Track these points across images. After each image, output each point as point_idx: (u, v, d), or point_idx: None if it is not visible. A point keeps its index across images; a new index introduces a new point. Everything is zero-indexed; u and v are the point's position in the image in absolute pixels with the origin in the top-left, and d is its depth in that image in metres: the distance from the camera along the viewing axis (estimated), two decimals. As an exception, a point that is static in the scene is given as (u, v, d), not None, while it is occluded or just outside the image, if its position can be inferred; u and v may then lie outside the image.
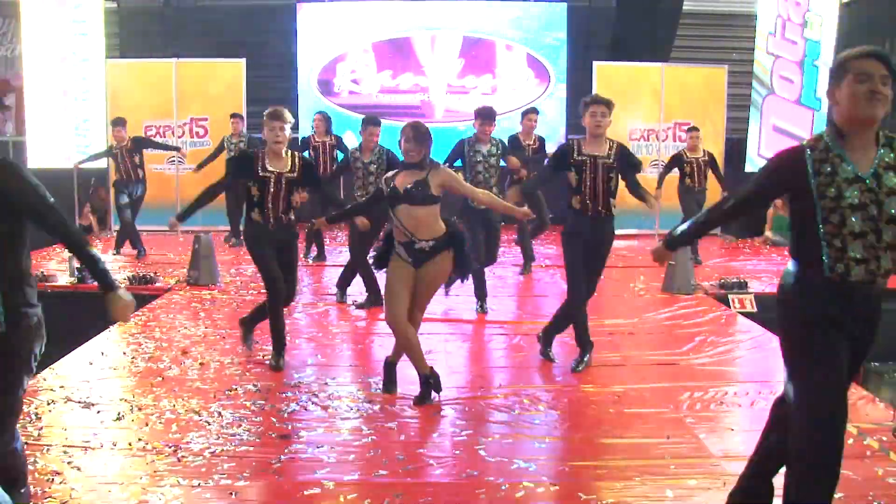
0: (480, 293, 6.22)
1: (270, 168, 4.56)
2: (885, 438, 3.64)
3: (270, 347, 4.85)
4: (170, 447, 3.51)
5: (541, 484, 3.22)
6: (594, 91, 9.92)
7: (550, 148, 7.25)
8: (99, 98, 10.04)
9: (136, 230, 8.57)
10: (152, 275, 7.20)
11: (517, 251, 8.04)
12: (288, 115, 4.56)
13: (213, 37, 11.34)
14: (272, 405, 4.10)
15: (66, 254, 7.93)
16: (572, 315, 4.77)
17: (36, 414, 3.89)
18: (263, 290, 4.95)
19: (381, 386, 4.37)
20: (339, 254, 8.54)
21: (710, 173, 8.35)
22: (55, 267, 7.67)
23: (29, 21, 9.86)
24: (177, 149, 9.52)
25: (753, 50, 10.46)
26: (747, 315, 6.26)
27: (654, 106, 10.40)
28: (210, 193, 4.73)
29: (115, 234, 9.21)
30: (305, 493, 3.14)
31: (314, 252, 8.48)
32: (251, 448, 3.55)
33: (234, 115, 9.15)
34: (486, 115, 6.03)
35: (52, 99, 9.92)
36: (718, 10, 11.74)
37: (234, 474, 3.26)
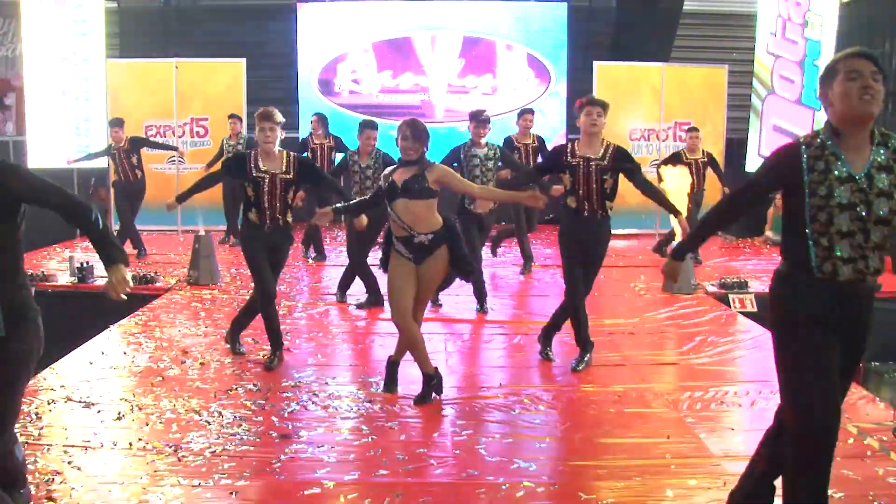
0: (480, 293, 6.22)
1: (263, 168, 4.56)
2: (885, 438, 3.64)
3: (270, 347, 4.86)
4: (170, 447, 3.51)
5: (541, 484, 3.22)
6: (594, 91, 9.96)
7: (551, 147, 7.25)
8: (99, 98, 10.04)
9: (136, 230, 8.58)
10: (152, 275, 7.20)
11: (517, 251, 8.04)
12: (278, 116, 4.56)
13: (213, 37, 11.34)
14: (272, 405, 4.10)
15: (67, 253, 7.94)
16: (569, 314, 4.78)
17: (36, 414, 3.89)
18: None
19: (381, 386, 4.37)
20: (339, 254, 8.54)
21: (708, 174, 8.35)
22: (55, 267, 7.67)
23: (29, 21, 9.86)
24: (174, 148, 9.51)
25: (753, 50, 10.46)
26: (747, 315, 6.26)
27: (654, 106, 10.40)
28: (208, 180, 5.01)
29: (115, 233, 9.20)
30: (305, 493, 3.14)
31: (314, 252, 8.49)
32: (251, 448, 3.55)
33: (231, 116, 9.14)
34: (479, 118, 6.03)
35: (52, 99, 9.91)
36: (718, 10, 11.74)
37: (234, 474, 3.26)
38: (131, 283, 2.76)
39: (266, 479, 3.25)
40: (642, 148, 10.37)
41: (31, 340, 2.60)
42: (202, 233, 7.33)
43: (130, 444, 3.55)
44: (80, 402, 4.11)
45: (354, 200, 4.85)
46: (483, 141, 5.98)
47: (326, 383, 4.48)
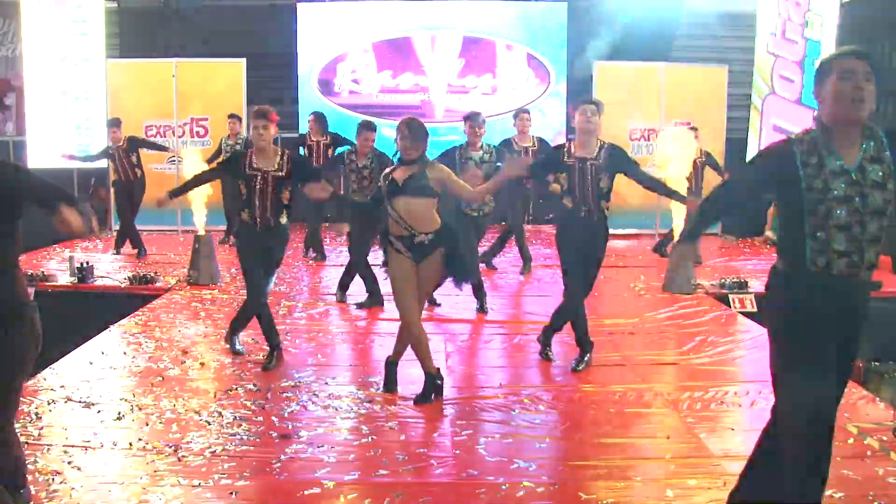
0: (479, 293, 6.22)
1: (256, 166, 4.56)
2: (885, 438, 3.64)
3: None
4: (170, 447, 3.52)
5: (541, 484, 3.22)
6: (594, 91, 9.96)
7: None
8: (99, 98, 10.04)
9: (136, 230, 8.58)
10: (152, 275, 7.20)
11: (517, 251, 8.03)
12: (271, 113, 4.56)
13: (213, 37, 11.34)
14: (272, 405, 4.10)
15: (67, 253, 7.94)
16: (569, 314, 4.78)
17: (36, 414, 3.90)
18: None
19: (381, 386, 4.37)
20: (339, 254, 8.54)
21: (707, 173, 8.37)
22: (55, 267, 7.66)
23: (29, 21, 9.87)
24: (165, 148, 9.44)
25: (753, 50, 10.45)
26: (747, 315, 6.26)
27: (654, 106, 10.39)
28: (200, 178, 5.07)
29: (115, 233, 9.22)
30: (305, 493, 3.14)
31: (314, 252, 8.49)
32: (251, 448, 3.55)
33: (231, 116, 9.14)
34: (474, 119, 6.03)
35: (52, 99, 9.93)
36: (718, 10, 11.73)
37: (234, 474, 3.26)
38: (89, 220, 2.62)
39: (266, 479, 3.25)
40: (642, 148, 10.37)
41: (27, 336, 2.61)
42: (201, 231, 7.34)
43: (130, 444, 3.55)
44: (80, 402, 4.11)
45: (352, 198, 4.84)
46: (479, 142, 5.98)
47: (326, 383, 4.48)
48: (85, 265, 7.06)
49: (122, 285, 7.00)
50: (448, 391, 4.31)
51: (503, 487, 3.18)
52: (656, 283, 7.21)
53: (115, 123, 8.52)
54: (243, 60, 10.36)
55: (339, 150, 7.35)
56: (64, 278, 7.09)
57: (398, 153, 4.10)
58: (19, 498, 2.77)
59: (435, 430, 3.88)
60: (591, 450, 3.60)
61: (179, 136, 10.30)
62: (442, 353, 5.02)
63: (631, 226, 10.01)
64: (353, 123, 6.64)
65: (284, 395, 4.27)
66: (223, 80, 10.39)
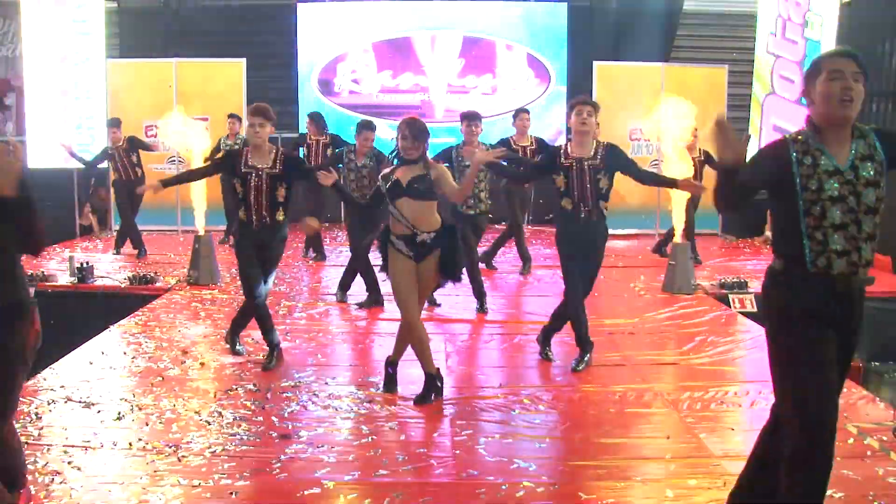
0: (479, 293, 6.22)
1: (252, 164, 4.57)
2: (885, 438, 3.64)
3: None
4: (170, 447, 3.52)
5: (541, 484, 3.22)
6: (594, 91, 9.97)
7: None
8: (99, 98, 10.03)
9: (137, 229, 8.58)
10: (152, 275, 7.20)
11: (517, 252, 8.03)
12: (269, 111, 4.57)
13: (213, 37, 11.34)
14: (272, 405, 4.10)
15: (67, 254, 7.94)
16: (569, 314, 4.78)
17: (36, 414, 3.89)
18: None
19: (381, 386, 4.37)
20: (339, 254, 8.54)
21: (706, 173, 8.36)
22: (55, 267, 7.66)
23: (29, 21, 9.85)
24: (155, 148, 9.36)
25: (753, 50, 10.45)
26: (747, 315, 6.26)
27: (654, 106, 10.38)
28: (193, 174, 5.45)
29: (115, 233, 9.21)
30: (305, 492, 3.14)
31: (314, 252, 8.49)
32: (251, 448, 3.55)
33: (231, 116, 9.13)
34: (472, 118, 6.02)
35: (52, 99, 9.91)
36: (718, 10, 11.74)
37: (234, 474, 3.26)
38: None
39: (266, 479, 3.25)
40: (642, 148, 10.36)
41: (28, 332, 2.62)
42: (201, 231, 7.34)
43: (130, 444, 3.55)
44: (80, 402, 4.11)
45: (353, 196, 4.81)
46: (476, 142, 5.99)
47: (326, 383, 4.48)
48: (85, 265, 7.06)
49: (122, 285, 7.00)
50: (448, 391, 4.31)
51: (503, 487, 3.18)
52: (656, 283, 7.21)
53: (114, 123, 8.53)
54: (243, 60, 10.36)
55: (338, 150, 7.35)
56: (64, 278, 7.09)
57: (397, 152, 4.10)
58: (19, 498, 2.77)
59: (435, 430, 3.87)
60: (591, 450, 3.60)
61: (179, 137, 10.28)
62: (442, 353, 5.02)
63: (631, 226, 10.01)
64: (353, 123, 6.65)
65: (284, 395, 4.27)
66: (223, 80, 10.38)
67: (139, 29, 11.52)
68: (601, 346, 5.08)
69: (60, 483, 3.14)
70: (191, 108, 10.29)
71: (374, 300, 6.29)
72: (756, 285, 6.92)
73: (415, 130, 4.00)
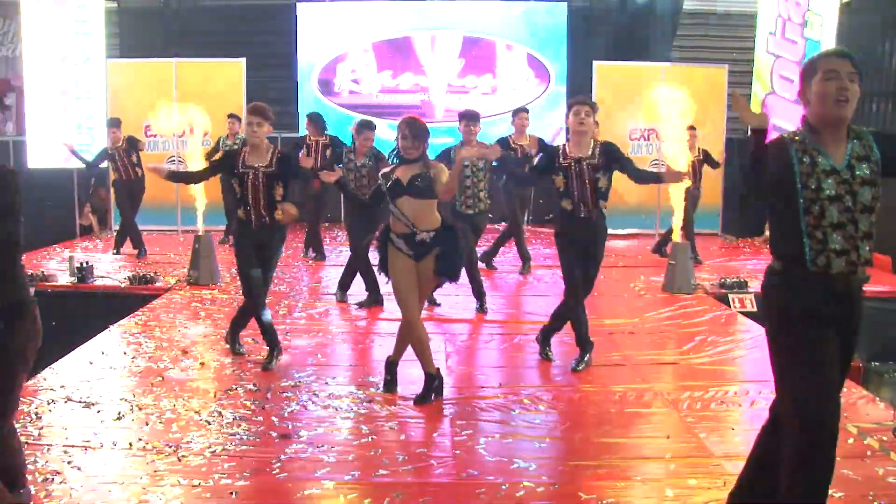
0: (479, 293, 6.22)
1: (249, 163, 4.57)
2: (885, 438, 3.64)
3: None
4: (170, 447, 3.52)
5: (541, 484, 3.22)
6: (594, 91, 9.97)
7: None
8: (99, 98, 10.03)
9: (137, 229, 8.58)
10: (152, 275, 7.20)
11: (516, 251, 8.04)
12: (267, 111, 4.57)
13: (212, 37, 11.33)
14: (272, 405, 4.10)
15: (67, 254, 7.94)
16: (568, 314, 4.78)
17: (36, 414, 3.90)
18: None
19: (381, 386, 4.37)
20: (339, 254, 8.54)
21: (705, 171, 8.38)
22: (55, 267, 7.66)
23: (29, 21, 9.85)
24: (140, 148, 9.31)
25: (753, 50, 10.46)
26: (747, 315, 6.26)
27: (653, 106, 10.37)
28: (193, 177, 5.30)
29: (115, 233, 9.21)
30: (305, 492, 3.14)
31: (313, 252, 8.49)
32: (251, 448, 3.55)
33: (230, 116, 9.13)
34: (470, 117, 6.02)
35: (52, 99, 9.91)
36: (718, 10, 11.73)
37: (234, 474, 3.26)
38: None
39: (266, 479, 3.25)
40: (642, 148, 10.37)
41: (27, 335, 2.62)
42: (201, 231, 7.34)
43: (130, 444, 3.55)
44: (80, 402, 4.11)
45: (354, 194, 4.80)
46: (474, 141, 5.99)
47: (326, 383, 4.48)
48: (85, 265, 7.06)
49: (122, 285, 7.00)
50: (448, 391, 4.31)
51: (503, 487, 3.18)
52: (656, 283, 7.21)
53: (114, 123, 8.53)
54: (243, 60, 10.36)
55: (337, 150, 7.36)
56: (64, 278, 7.09)
57: (396, 152, 4.10)
58: (19, 498, 2.77)
59: (435, 430, 3.88)
60: (591, 450, 3.60)
61: (179, 136, 10.29)
62: (442, 353, 5.02)
63: (631, 226, 10.01)
64: (354, 123, 6.63)
65: (284, 395, 4.27)
66: (223, 79, 10.38)
67: (139, 29, 11.51)
68: (601, 346, 5.08)
69: (60, 483, 3.14)
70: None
71: (374, 300, 6.29)
72: (756, 285, 6.92)
73: (415, 130, 4.01)
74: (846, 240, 2.43)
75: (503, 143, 7.18)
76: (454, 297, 6.33)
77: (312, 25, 11.02)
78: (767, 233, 8.47)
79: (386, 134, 9.63)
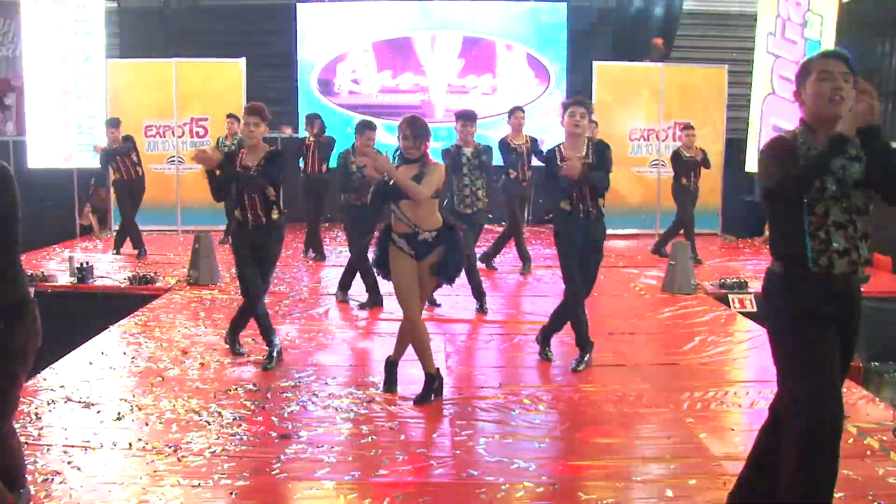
0: (478, 293, 6.22)
1: (244, 163, 4.58)
2: (885, 438, 3.64)
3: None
4: (170, 447, 3.52)
5: (541, 484, 3.22)
6: (594, 91, 9.97)
7: (542, 146, 7.29)
8: (99, 98, 10.04)
9: (137, 228, 8.59)
10: (152, 275, 7.20)
11: (516, 252, 8.04)
12: (264, 111, 4.56)
13: (212, 37, 11.34)
14: (272, 405, 4.10)
15: (67, 254, 7.94)
16: (569, 315, 4.78)
17: (36, 414, 3.89)
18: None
19: (381, 386, 4.37)
20: (338, 254, 8.54)
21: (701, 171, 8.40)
22: (55, 267, 7.66)
23: (29, 21, 9.85)
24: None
25: (753, 50, 10.46)
26: (747, 315, 6.26)
27: (654, 106, 10.39)
28: (222, 190, 4.63)
29: (115, 233, 9.21)
30: (305, 492, 3.14)
31: (313, 252, 8.49)
32: (251, 448, 3.55)
33: (230, 116, 9.13)
34: (466, 117, 6.02)
35: (52, 99, 9.90)
36: (718, 10, 11.74)
37: (234, 474, 3.26)
38: None
39: (266, 479, 3.25)
40: (642, 148, 10.37)
41: (27, 335, 2.62)
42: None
43: (130, 444, 3.55)
44: (80, 402, 4.11)
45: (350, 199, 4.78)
46: (471, 140, 6.00)
47: (326, 383, 4.48)
48: (85, 265, 7.06)
49: (122, 285, 7.00)
50: (448, 391, 4.31)
51: (503, 487, 3.18)
52: (656, 283, 7.21)
53: (113, 123, 8.53)
54: (243, 60, 10.36)
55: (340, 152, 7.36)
56: (64, 278, 7.09)
57: (399, 151, 4.10)
58: (19, 498, 2.77)
59: (435, 431, 3.87)
60: (591, 450, 3.60)
61: (179, 136, 10.30)
62: (442, 353, 5.02)
63: (631, 226, 10.00)
64: (353, 124, 6.64)
65: (284, 395, 4.27)
66: (223, 80, 10.39)
67: (139, 29, 11.52)
68: (601, 346, 5.08)
69: (60, 483, 3.14)
70: (190, 108, 10.35)
71: (374, 301, 6.29)
72: (756, 285, 6.92)
73: (415, 129, 4.01)
74: (847, 240, 2.44)
75: (503, 144, 7.18)
76: (454, 298, 6.33)
77: (312, 25, 11.02)
78: (767, 233, 8.46)
79: (384, 138, 9.62)
